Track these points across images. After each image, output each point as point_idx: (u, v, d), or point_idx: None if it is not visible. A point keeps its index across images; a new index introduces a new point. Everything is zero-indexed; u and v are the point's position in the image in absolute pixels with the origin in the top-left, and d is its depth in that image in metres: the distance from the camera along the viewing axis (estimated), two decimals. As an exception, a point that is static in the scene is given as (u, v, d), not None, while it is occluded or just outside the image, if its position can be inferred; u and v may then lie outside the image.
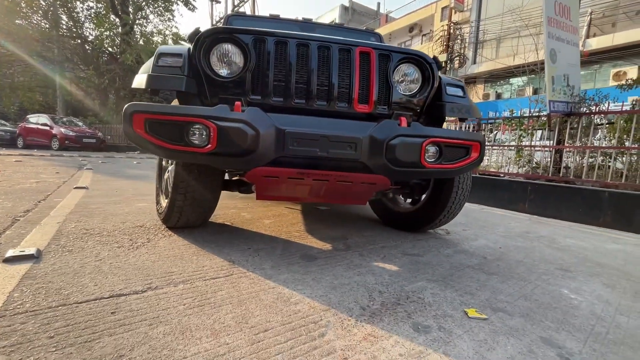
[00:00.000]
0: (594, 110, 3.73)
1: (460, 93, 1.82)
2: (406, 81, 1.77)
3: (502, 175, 4.46)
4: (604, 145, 3.81)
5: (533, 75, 14.25)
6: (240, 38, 1.59)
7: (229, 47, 1.61)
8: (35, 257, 1.36)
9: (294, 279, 1.33)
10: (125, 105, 1.47)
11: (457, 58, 18.55)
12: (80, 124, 14.62)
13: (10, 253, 1.34)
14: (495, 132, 5.45)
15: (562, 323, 1.12)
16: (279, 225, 2.21)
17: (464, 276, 1.50)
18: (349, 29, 3.26)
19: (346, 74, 1.66)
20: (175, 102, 1.85)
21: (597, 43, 13.30)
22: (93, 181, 3.83)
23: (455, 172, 1.70)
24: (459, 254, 1.85)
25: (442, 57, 18.30)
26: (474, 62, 18.28)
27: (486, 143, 5.02)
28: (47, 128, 12.94)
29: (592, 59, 12.94)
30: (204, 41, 1.57)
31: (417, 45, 22.48)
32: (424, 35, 22.52)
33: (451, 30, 18.57)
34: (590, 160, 3.69)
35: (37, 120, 13.40)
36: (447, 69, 18.53)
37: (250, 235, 1.92)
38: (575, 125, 3.89)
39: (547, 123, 3.89)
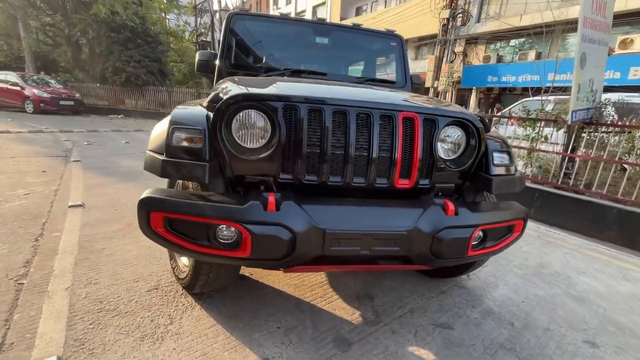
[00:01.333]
0: (614, 122, 3.60)
1: (507, 160, 1.66)
2: (451, 149, 1.59)
3: (509, 176, 4.40)
4: (618, 154, 3.73)
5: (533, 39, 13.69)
6: (268, 105, 1.36)
7: (254, 116, 1.38)
8: (58, 374, 1.26)
9: (337, 391, 1.29)
10: (141, 197, 1.27)
11: (461, 15, 17.35)
12: (53, 82, 13.46)
13: (29, 372, 1.24)
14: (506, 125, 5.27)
15: None
16: (300, 275, 2.13)
17: (500, 367, 1.49)
18: (367, 30, 2.88)
19: (387, 145, 1.47)
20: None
21: (608, 6, 12.56)
22: (85, 187, 3.58)
23: (495, 253, 1.61)
24: (486, 318, 1.84)
25: (445, 14, 17.09)
26: (478, 21, 17.20)
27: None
28: (18, 88, 11.91)
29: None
30: (226, 111, 1.33)
31: (418, -4, 20.79)
32: (426, -15, 20.70)
33: (457, -17, 17.06)
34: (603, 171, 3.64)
35: (6, 78, 12.24)
36: (449, 27, 17.42)
37: (273, 299, 1.85)
38: (592, 132, 3.77)
39: (568, 133, 3.74)
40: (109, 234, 2.49)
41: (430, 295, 2.03)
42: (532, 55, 15.59)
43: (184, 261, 1.81)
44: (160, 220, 1.28)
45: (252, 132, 1.39)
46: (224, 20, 2.62)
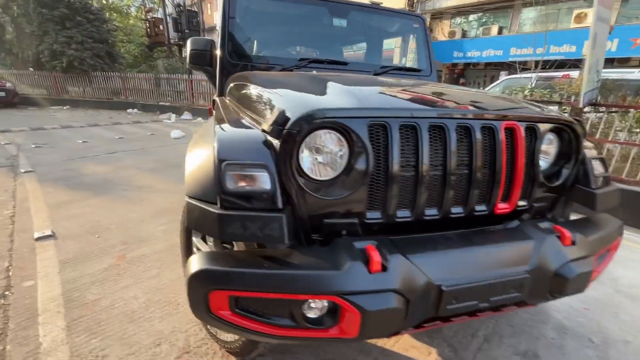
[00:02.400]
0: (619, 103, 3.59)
1: (604, 169, 1.44)
2: (549, 161, 1.35)
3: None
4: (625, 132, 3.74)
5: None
6: (348, 124, 1.00)
7: (329, 139, 1.02)
8: None
9: None
10: (193, 270, 0.88)
11: (426, -12, 17.08)
12: (-25, 70, 11.44)
13: None
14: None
15: None
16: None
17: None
18: (387, 10, 2.50)
19: (488, 163, 1.18)
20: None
21: (566, -20, 12.94)
22: (50, 208, 2.94)
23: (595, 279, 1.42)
24: (564, 337, 1.69)
25: (410, -13, 16.73)
26: (443, -5, 17.08)
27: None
28: None
29: (563, -1, 12.65)
30: (298, 135, 0.96)
31: (382, -32, 20.19)
32: (390, -44, 20.10)
33: (421, -46, 16.66)
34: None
35: None
36: (415, 1, 17.16)
37: (333, 346, 1.55)
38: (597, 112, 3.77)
39: (572, 114, 3.69)
40: (100, 275, 2.00)
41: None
42: (494, 30, 15.88)
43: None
44: (225, 300, 0.90)
45: (326, 160, 1.04)
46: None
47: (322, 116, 0.96)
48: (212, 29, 29.96)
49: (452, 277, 1.03)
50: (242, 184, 0.93)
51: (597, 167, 1.41)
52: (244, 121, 1.22)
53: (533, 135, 1.26)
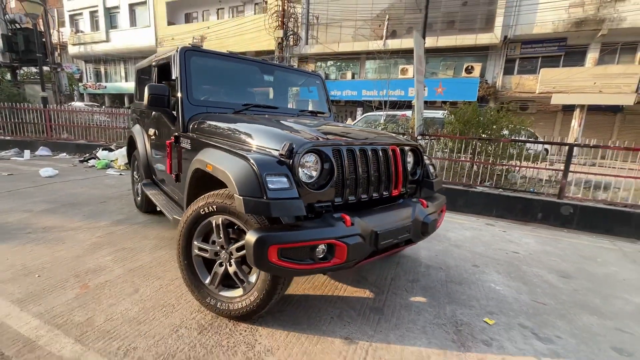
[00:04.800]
0: (436, 134, 5.62)
1: (433, 169, 2.72)
2: (411, 165, 2.51)
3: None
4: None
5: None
6: (323, 151, 1.85)
7: (312, 157, 1.84)
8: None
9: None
10: (256, 237, 1.51)
11: (292, 36, 19.81)
12: None
13: None
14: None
15: (513, 310, 2.31)
16: (308, 280, 2.55)
17: None
18: (298, 71, 3.50)
19: (386, 167, 2.21)
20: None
21: (392, 44, 17.62)
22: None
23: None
24: (428, 269, 2.88)
25: (279, 33, 19.02)
26: (307, 43, 20.13)
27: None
28: None
29: (393, 56, 16.94)
30: (300, 156, 1.73)
31: (250, 14, 22.17)
32: (257, 4, 22.32)
33: (285, 7, 19.35)
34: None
35: None
36: (284, 45, 19.54)
37: (307, 302, 2.24)
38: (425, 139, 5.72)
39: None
40: (74, 303, 2.06)
41: (392, 265, 2.92)
42: (349, 75, 19.73)
43: (233, 293, 1.94)
44: (275, 252, 1.55)
45: (311, 170, 1.83)
46: (177, 55, 2.61)
47: (313, 145, 1.76)
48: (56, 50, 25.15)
49: (381, 227, 1.95)
50: (278, 185, 1.62)
51: (431, 169, 2.67)
52: (250, 148, 1.88)
53: (403, 153, 2.38)
